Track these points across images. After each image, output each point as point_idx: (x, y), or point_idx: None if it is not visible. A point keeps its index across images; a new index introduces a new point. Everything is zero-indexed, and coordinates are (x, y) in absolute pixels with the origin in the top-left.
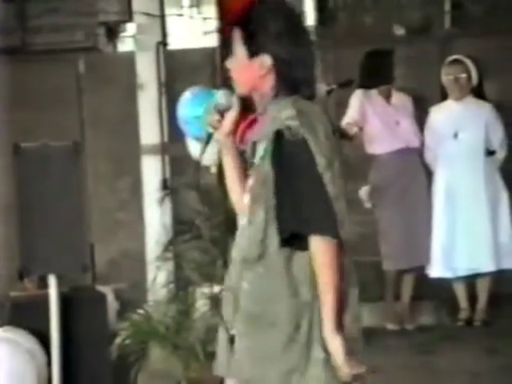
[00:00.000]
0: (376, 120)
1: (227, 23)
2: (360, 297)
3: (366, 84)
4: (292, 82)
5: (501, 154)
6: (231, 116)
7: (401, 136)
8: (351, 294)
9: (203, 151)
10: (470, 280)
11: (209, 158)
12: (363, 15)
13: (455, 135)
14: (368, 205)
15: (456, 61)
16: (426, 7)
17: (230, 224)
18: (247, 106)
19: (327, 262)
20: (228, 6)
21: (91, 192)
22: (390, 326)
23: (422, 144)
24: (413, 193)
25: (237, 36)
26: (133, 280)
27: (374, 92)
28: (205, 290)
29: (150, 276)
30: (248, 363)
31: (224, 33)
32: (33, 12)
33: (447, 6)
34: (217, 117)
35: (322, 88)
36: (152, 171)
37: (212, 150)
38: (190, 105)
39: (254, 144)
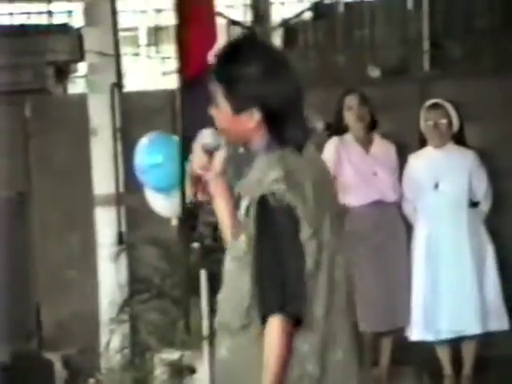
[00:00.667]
0: (350, 169)
1: (196, 73)
2: None
3: (341, 130)
4: (284, 130)
5: (485, 206)
6: (221, 156)
7: (377, 187)
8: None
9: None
10: (455, 343)
11: (170, 209)
12: (335, 54)
13: (436, 186)
14: None
15: (435, 105)
16: (403, 46)
17: (192, 282)
18: None
19: (271, 342)
20: (191, 47)
21: (38, 247)
22: None
23: (401, 195)
24: (390, 248)
25: (217, 89)
26: (84, 345)
27: (351, 139)
28: (164, 355)
29: (103, 340)
30: None
31: (185, 74)
32: None
33: (426, 46)
34: (205, 158)
35: (318, 124)
36: (106, 224)
37: (172, 200)
38: (147, 152)
39: (238, 194)
